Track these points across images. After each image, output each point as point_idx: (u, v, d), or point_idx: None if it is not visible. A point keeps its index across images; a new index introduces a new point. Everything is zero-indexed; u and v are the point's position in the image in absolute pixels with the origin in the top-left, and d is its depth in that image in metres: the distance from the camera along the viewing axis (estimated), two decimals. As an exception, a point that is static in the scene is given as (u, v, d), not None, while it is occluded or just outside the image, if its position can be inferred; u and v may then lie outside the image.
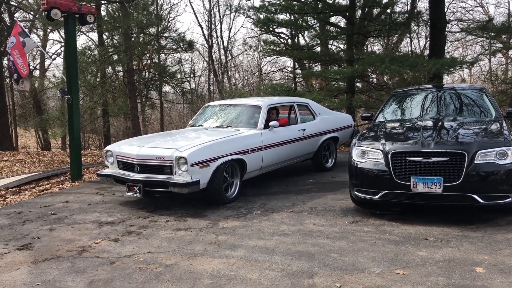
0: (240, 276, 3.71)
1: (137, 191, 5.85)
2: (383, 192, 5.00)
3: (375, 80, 16.64)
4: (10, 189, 7.87)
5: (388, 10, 13.63)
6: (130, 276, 3.83)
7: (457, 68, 12.69)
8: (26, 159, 13.24)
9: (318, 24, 14.73)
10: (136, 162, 5.95)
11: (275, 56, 20.19)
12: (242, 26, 57.83)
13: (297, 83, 19.24)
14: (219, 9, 29.92)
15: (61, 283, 3.74)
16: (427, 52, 15.04)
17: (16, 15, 20.04)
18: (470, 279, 3.45)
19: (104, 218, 5.71)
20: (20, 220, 5.83)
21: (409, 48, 21.32)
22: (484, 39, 17.83)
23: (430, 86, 7.88)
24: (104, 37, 17.90)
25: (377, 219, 5.12)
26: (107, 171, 6.45)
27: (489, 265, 3.70)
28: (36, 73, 23.67)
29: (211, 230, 5.00)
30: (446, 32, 13.82)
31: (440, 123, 5.59)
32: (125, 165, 6.18)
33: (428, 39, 15.94)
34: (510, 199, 4.65)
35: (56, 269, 4.06)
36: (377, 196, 5.05)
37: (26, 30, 8.49)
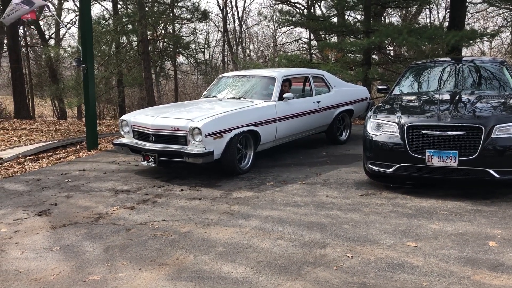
0: (253, 245, 3.78)
1: (152, 160, 5.92)
2: (398, 165, 4.97)
3: (392, 53, 16.35)
4: (28, 157, 8.03)
5: (408, -20, 13.26)
6: (146, 242, 3.92)
7: (477, 40, 12.37)
8: (43, 128, 13.44)
9: (335, -6, 14.40)
10: (151, 132, 6.00)
11: (291, 27, 19.94)
12: (257, -4, 56.89)
13: (313, 55, 19.02)
14: (234, -22, 29.47)
15: (79, 248, 3.85)
16: (446, 24, 14.67)
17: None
18: (483, 253, 3.46)
19: (120, 186, 5.81)
20: (38, 187, 5.96)
21: (428, 20, 20.81)
22: (506, 10, 17.30)
23: (448, 58, 7.72)
24: (119, 6, 17.80)
25: (390, 192, 5.12)
26: (123, 140, 6.53)
27: (502, 239, 3.70)
28: (52, 42, 23.73)
29: (224, 200, 5.06)
30: (466, 3, 13.43)
31: (457, 97, 5.50)
32: (140, 135, 6.24)
33: (448, 10, 15.53)
34: (526, 174, 4.60)
35: (74, 235, 4.17)
36: (391, 169, 5.04)
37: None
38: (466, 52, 17.07)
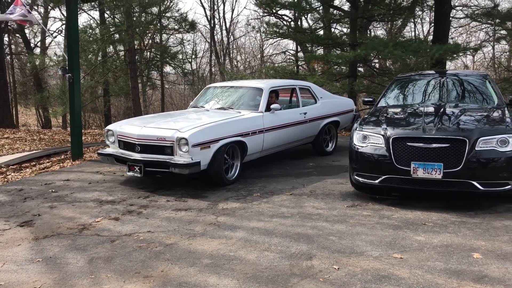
0: (239, 256, 3.75)
1: (138, 171, 5.87)
2: (383, 177, 5.01)
3: (377, 65, 16.54)
4: (11, 166, 7.89)
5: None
6: (130, 254, 3.86)
7: (461, 54, 12.60)
8: (26, 137, 13.26)
9: (321, 6, 14.58)
10: (137, 142, 5.95)
11: (278, 39, 20.00)
12: (245, 7, 57.33)
13: (299, 66, 19.14)
14: (222, -10, 29.69)
15: (62, 260, 3.78)
16: (431, 37, 14.92)
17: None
18: (467, 264, 3.49)
19: (104, 197, 5.74)
20: (21, 197, 5.86)
21: (413, 33, 21.15)
22: (488, 25, 17.68)
23: (432, 72, 7.84)
24: (106, 15, 17.75)
25: (376, 203, 5.15)
26: (108, 150, 6.46)
27: (486, 251, 3.73)
28: (37, 50, 23.53)
29: (211, 211, 5.03)
30: (450, 18, 13.69)
31: (442, 109, 5.58)
32: (126, 145, 6.19)
33: (432, 24, 15.82)
34: (509, 186, 4.66)
35: (57, 246, 4.10)
36: (377, 181, 5.07)
37: (27, 7, 8.39)
38: (450, 66, 17.36)
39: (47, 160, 8.56)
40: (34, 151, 9.46)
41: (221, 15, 27.16)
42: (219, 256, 3.77)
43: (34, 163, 8.32)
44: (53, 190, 6.14)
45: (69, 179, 6.79)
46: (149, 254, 3.85)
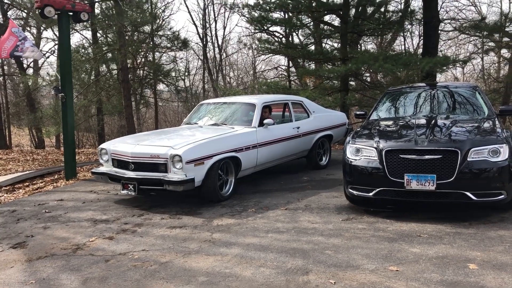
0: (235, 273, 3.73)
1: (132, 189, 5.85)
2: (377, 189, 5.02)
3: (368, 79, 16.68)
4: (3, 188, 7.84)
5: (382, 9, 13.67)
6: (125, 273, 3.83)
7: (450, 66, 12.77)
8: (19, 158, 13.18)
9: (312, 22, 14.76)
10: (131, 160, 5.94)
11: (270, 55, 20.20)
12: (236, 24, 57.78)
13: (292, 81, 19.27)
14: (213, 8, 29.93)
15: (56, 281, 3.74)
16: (420, 50, 15.11)
17: (9, 13, 19.93)
18: (463, 275, 3.49)
19: (98, 216, 5.70)
20: (14, 218, 5.81)
21: (403, 47, 21.39)
22: (476, 38, 17.94)
23: (423, 84, 7.92)
24: (98, 35, 17.82)
25: (371, 216, 5.15)
26: (102, 169, 6.44)
27: (482, 262, 3.74)
28: (30, 71, 23.53)
29: (205, 227, 5.00)
30: (439, 31, 13.89)
31: (433, 121, 5.63)
32: (120, 163, 6.17)
33: (422, 37, 16.03)
34: (502, 196, 4.69)
35: (50, 267, 4.05)
36: (371, 194, 5.08)
37: (20, 28, 8.43)
38: (440, 78, 17.53)
39: (41, 180, 8.51)
40: (27, 172, 9.41)
41: (213, 32, 27.40)
42: (214, 273, 3.75)
43: (27, 183, 8.27)
44: (47, 211, 6.09)
45: (62, 199, 6.74)
46: (144, 273, 3.82)
